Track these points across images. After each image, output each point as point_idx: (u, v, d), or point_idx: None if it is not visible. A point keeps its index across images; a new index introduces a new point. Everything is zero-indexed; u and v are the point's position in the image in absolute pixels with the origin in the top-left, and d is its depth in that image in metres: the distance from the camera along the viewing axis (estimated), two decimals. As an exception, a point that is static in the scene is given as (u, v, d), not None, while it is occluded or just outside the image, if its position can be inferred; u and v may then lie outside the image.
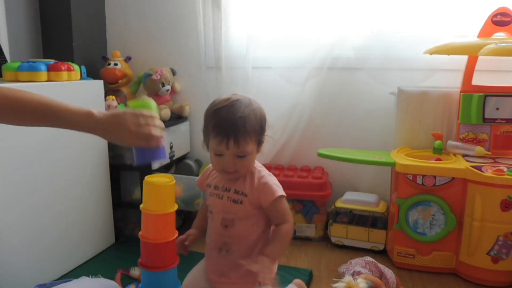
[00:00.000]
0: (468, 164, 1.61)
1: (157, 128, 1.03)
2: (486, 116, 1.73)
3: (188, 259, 1.72)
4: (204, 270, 1.22)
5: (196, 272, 1.24)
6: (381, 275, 1.39)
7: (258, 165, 1.18)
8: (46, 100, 0.95)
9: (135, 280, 1.57)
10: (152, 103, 1.12)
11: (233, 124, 1.05)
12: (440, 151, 1.77)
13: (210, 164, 1.18)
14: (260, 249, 1.13)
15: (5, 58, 1.75)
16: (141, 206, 1.26)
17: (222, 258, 1.15)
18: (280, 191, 1.12)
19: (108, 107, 1.86)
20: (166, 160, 1.98)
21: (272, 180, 1.14)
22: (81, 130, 0.98)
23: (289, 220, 1.14)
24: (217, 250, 1.16)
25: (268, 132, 1.15)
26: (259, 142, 1.12)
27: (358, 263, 1.44)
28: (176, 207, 1.29)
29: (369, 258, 1.46)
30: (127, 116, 0.99)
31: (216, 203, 1.16)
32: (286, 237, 1.13)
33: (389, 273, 1.40)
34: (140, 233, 1.28)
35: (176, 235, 1.29)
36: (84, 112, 0.96)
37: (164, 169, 2.06)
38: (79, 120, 0.96)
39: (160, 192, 1.26)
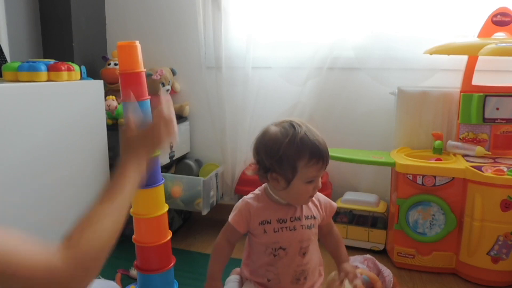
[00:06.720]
0: (468, 164, 1.61)
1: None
2: (486, 116, 1.73)
3: (186, 259, 1.74)
4: None
5: None
6: (378, 273, 1.39)
7: None
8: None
9: (135, 280, 1.57)
10: None
11: (322, 146, 1.04)
12: (440, 151, 1.77)
13: (240, 203, 1.11)
14: (337, 257, 1.18)
15: (5, 58, 1.75)
16: (131, 210, 1.20)
17: (301, 287, 1.13)
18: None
19: (108, 107, 1.86)
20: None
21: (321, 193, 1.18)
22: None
23: (332, 222, 1.21)
24: (295, 281, 1.12)
25: None
26: None
27: (357, 259, 1.45)
28: (166, 208, 1.24)
29: (368, 256, 1.46)
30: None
31: (289, 236, 1.10)
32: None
33: (386, 271, 1.40)
34: (133, 236, 1.26)
35: (170, 236, 1.27)
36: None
37: (164, 169, 2.05)
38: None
39: (149, 195, 1.20)
